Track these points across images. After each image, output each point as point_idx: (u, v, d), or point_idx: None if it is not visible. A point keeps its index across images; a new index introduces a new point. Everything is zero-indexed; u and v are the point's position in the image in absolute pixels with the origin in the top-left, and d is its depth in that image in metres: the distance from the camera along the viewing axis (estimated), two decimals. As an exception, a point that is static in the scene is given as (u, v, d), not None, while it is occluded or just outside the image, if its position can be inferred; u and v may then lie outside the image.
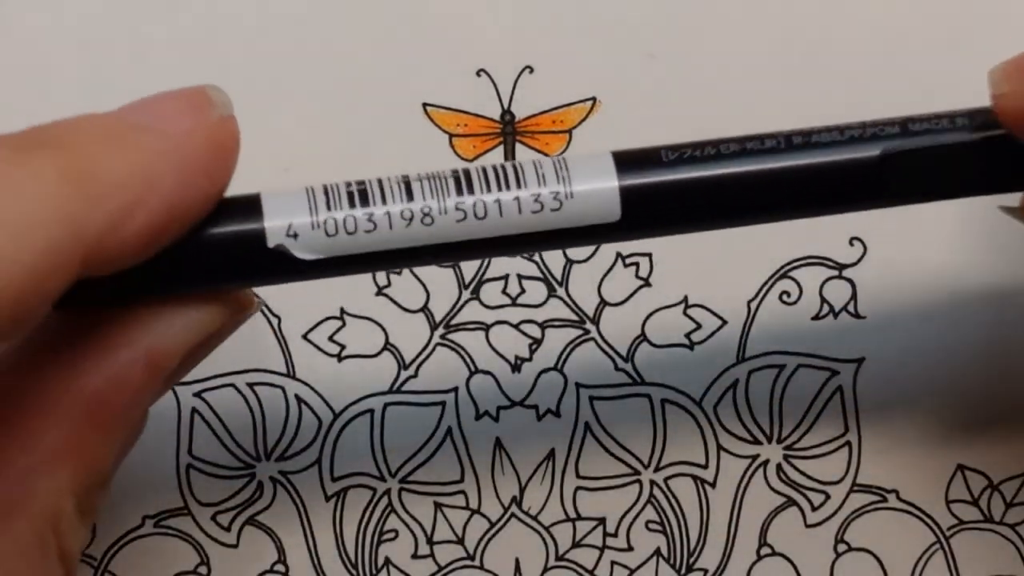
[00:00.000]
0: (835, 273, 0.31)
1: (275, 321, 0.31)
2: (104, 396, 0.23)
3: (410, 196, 0.23)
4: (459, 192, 0.24)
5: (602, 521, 0.31)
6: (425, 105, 0.31)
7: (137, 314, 0.23)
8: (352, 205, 0.23)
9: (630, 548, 0.31)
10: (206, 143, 0.22)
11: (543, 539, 0.31)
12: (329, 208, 0.23)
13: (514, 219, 0.24)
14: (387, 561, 0.31)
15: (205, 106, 0.23)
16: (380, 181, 0.24)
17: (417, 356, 0.31)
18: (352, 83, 0.31)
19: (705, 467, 0.31)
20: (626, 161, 0.24)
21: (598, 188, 0.24)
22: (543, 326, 0.31)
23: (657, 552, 0.31)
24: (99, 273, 0.22)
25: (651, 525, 0.31)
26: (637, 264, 0.31)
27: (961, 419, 0.31)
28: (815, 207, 0.25)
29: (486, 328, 0.31)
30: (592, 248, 0.31)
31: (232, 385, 0.31)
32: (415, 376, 0.31)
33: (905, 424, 0.31)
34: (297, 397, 0.31)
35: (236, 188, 0.23)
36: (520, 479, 0.31)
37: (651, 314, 0.31)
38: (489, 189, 0.24)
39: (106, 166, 0.21)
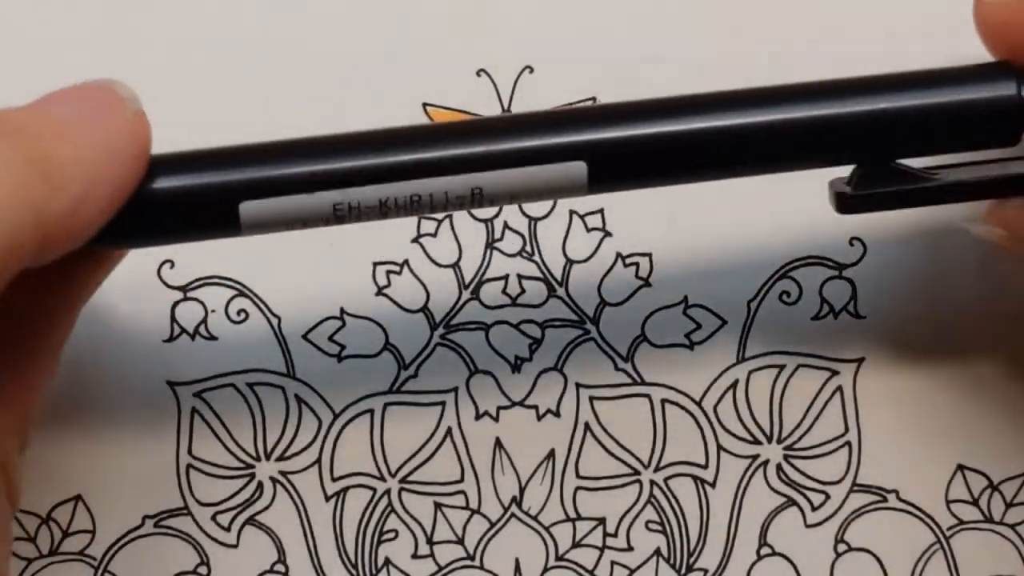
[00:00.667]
0: (835, 273, 0.31)
1: (275, 321, 0.31)
2: (36, 341, 0.25)
3: (384, 214, 0.25)
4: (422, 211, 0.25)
5: (602, 521, 0.31)
6: (425, 105, 0.31)
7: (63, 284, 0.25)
8: (327, 222, 0.25)
9: (630, 548, 0.31)
10: (129, 136, 0.24)
11: (543, 539, 0.31)
12: (305, 225, 0.25)
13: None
14: (387, 561, 0.31)
15: (119, 103, 0.24)
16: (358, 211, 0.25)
17: (417, 356, 0.31)
18: (352, 83, 0.31)
19: (705, 467, 0.31)
20: None
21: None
22: (543, 326, 0.31)
23: (657, 552, 0.31)
24: (44, 260, 0.23)
25: (651, 525, 0.31)
26: (637, 264, 0.31)
27: (961, 419, 0.31)
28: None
29: (486, 328, 0.31)
30: (593, 248, 0.31)
31: (232, 385, 0.31)
32: (415, 376, 0.31)
33: (905, 424, 0.31)
34: (297, 397, 0.31)
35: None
36: (520, 479, 0.31)
37: (651, 314, 0.31)
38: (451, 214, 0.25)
39: (62, 156, 0.23)
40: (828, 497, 0.32)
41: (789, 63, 0.31)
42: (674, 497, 0.31)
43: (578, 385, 0.31)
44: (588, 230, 0.31)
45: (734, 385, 0.31)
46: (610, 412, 0.31)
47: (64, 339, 0.26)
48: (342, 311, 0.31)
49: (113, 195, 0.23)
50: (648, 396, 0.31)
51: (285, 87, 0.31)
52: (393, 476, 0.31)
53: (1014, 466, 0.31)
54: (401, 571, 0.31)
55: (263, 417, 0.31)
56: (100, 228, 0.23)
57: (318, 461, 0.31)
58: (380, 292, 0.31)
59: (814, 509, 0.32)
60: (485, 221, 0.31)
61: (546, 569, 0.31)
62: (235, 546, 0.31)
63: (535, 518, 0.31)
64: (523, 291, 0.31)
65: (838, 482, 0.32)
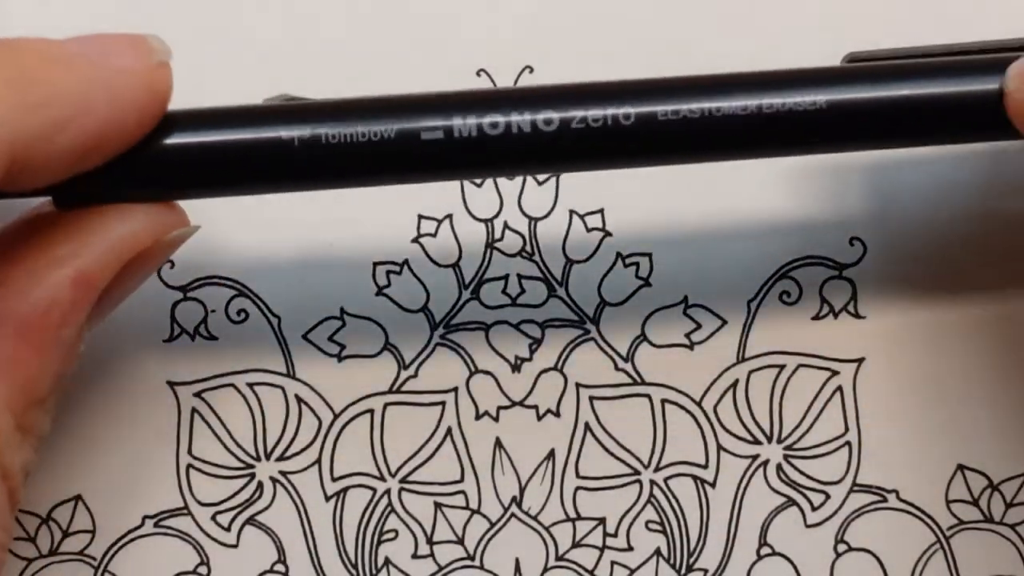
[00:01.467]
0: (835, 273, 0.31)
1: (275, 321, 0.31)
2: (34, 315, 0.24)
3: None
4: None
5: (602, 521, 0.31)
6: (425, 105, 0.31)
7: (63, 231, 0.24)
8: None
9: (630, 548, 0.31)
10: (141, 82, 0.24)
11: (543, 539, 0.31)
12: None
13: None
14: (387, 561, 0.31)
15: (144, 50, 0.24)
16: None
17: (417, 356, 0.31)
18: (352, 83, 0.31)
19: (705, 467, 0.31)
20: None
21: None
22: (543, 326, 0.31)
23: (657, 552, 0.31)
24: (21, 187, 0.22)
25: (651, 525, 0.31)
26: (637, 264, 0.31)
27: (961, 419, 0.31)
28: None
29: (486, 328, 0.31)
30: (593, 248, 0.31)
31: (232, 385, 0.31)
32: (415, 376, 0.31)
33: (905, 424, 0.31)
34: (297, 397, 0.31)
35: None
36: (520, 479, 0.31)
37: (651, 314, 0.31)
38: None
39: (45, 79, 0.22)
40: (828, 497, 0.32)
41: (790, 62, 0.31)
42: (674, 497, 0.31)
43: (578, 385, 0.31)
44: (588, 230, 0.31)
45: (734, 385, 0.31)
46: (610, 412, 0.31)
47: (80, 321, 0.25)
48: (342, 311, 0.31)
49: (104, 132, 0.23)
50: (648, 396, 0.31)
51: (285, 87, 0.31)
52: (393, 476, 0.31)
53: (1014, 466, 0.31)
54: (401, 571, 0.31)
55: (263, 417, 0.31)
56: (87, 166, 0.23)
57: (318, 461, 0.31)
58: (380, 292, 0.31)
59: (814, 509, 0.32)
60: (485, 221, 0.31)
61: (546, 569, 0.31)
62: (235, 546, 0.31)
63: (535, 518, 0.31)
64: (523, 291, 0.31)
65: (838, 482, 0.32)
